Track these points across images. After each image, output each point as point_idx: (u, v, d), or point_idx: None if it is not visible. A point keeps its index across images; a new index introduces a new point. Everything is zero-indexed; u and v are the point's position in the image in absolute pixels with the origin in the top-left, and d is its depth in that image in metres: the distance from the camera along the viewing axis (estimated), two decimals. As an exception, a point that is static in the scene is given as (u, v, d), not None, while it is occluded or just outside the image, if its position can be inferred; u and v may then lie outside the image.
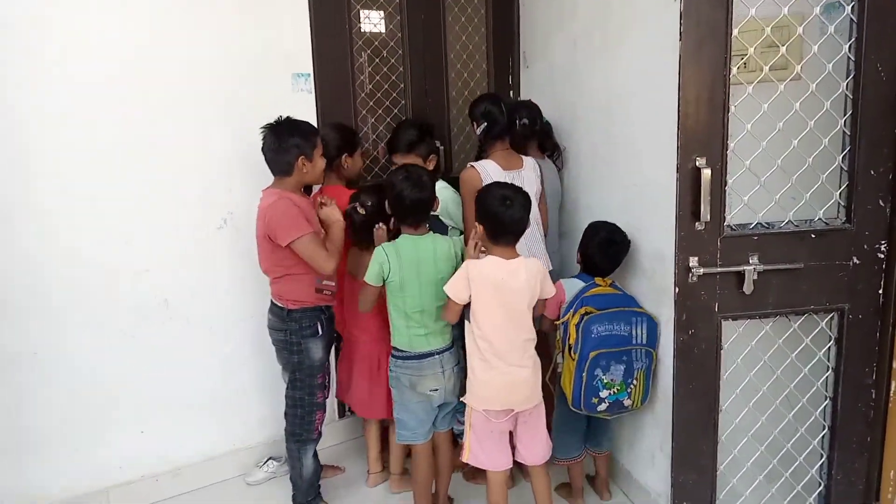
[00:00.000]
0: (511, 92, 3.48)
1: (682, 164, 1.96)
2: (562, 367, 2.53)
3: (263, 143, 2.47)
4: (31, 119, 2.48)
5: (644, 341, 2.44)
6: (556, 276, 2.71)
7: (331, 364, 2.74)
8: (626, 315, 2.43)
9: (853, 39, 1.95)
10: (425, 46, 3.30)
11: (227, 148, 2.80)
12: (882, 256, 2.07)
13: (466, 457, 2.38)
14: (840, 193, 2.05)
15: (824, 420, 2.21)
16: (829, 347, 2.16)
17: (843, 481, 2.20)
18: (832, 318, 2.14)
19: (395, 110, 3.29)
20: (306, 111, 2.92)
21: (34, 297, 2.57)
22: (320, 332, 2.60)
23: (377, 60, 3.22)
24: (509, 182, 2.46)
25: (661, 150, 2.23)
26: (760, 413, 2.22)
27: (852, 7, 1.92)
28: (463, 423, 2.51)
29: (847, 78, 1.97)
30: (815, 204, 2.05)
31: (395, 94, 3.28)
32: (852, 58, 1.96)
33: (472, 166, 2.71)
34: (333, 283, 2.58)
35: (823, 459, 2.22)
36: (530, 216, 2.34)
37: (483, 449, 2.36)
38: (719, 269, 2.03)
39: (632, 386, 2.44)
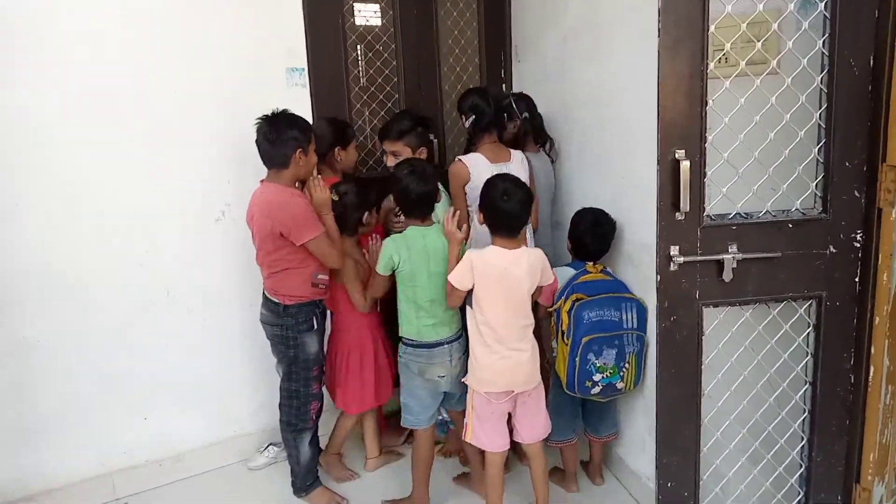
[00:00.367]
0: (503, 86, 3.54)
1: (662, 156, 2.01)
2: (556, 352, 2.60)
3: (259, 135, 2.47)
4: (34, 113, 2.56)
5: (634, 325, 2.51)
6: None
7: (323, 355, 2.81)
8: (616, 301, 2.51)
9: (827, 35, 1.99)
10: (418, 41, 3.36)
11: (223, 141, 2.87)
12: (858, 245, 2.12)
13: (469, 437, 2.47)
14: (816, 184, 2.10)
15: (804, 404, 2.27)
16: (808, 334, 2.21)
17: (823, 463, 2.26)
18: (810, 305, 2.19)
19: (389, 104, 3.34)
20: (301, 105, 2.98)
21: (39, 286, 2.65)
22: (315, 326, 2.65)
23: (370, 54, 3.27)
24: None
25: (645, 144, 2.29)
26: (742, 397, 2.28)
27: (825, 4, 1.97)
28: (446, 414, 2.62)
29: (822, 72, 2.02)
30: (793, 195, 2.10)
31: (388, 88, 3.34)
32: (826, 53, 2.00)
33: (460, 160, 2.76)
34: (326, 277, 2.63)
35: (804, 442, 2.28)
36: None
37: (483, 430, 2.44)
38: (699, 258, 2.09)
39: (624, 369, 2.51)
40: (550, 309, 2.61)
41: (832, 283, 2.15)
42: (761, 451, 2.31)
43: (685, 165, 1.98)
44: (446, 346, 2.52)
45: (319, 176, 2.62)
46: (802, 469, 2.31)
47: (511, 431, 2.52)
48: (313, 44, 3.02)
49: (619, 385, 2.52)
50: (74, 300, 2.72)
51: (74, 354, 2.75)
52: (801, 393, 2.26)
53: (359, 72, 3.25)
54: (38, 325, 2.67)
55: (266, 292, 2.64)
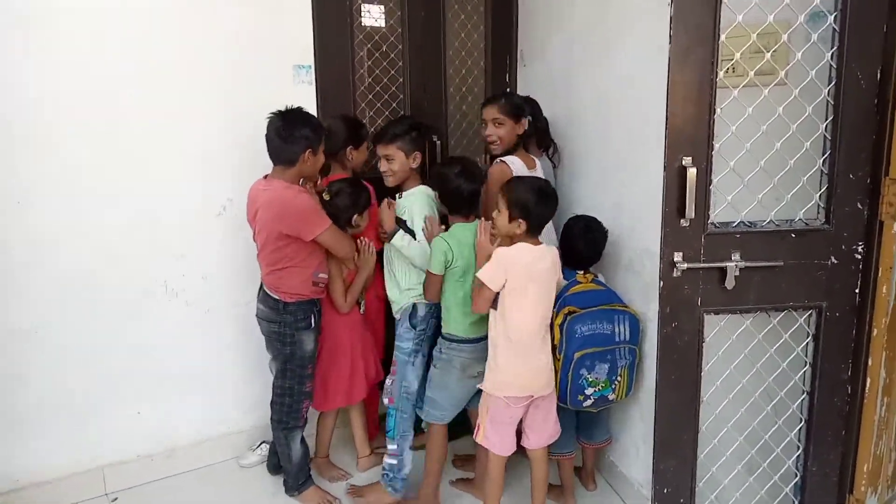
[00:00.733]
0: (508, 90, 3.54)
1: (669, 163, 2.03)
2: None
3: (270, 130, 2.44)
4: (36, 110, 2.54)
5: (627, 338, 2.50)
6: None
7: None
8: (609, 313, 2.48)
9: (835, 48, 2.02)
10: (425, 42, 3.36)
11: (227, 136, 2.85)
12: (859, 257, 2.14)
13: (480, 438, 2.46)
14: (820, 195, 2.12)
15: (801, 413, 2.29)
16: (807, 344, 2.23)
17: (818, 473, 2.28)
18: (810, 315, 2.21)
19: (394, 104, 3.35)
20: (306, 103, 2.91)
21: (38, 276, 2.63)
22: (313, 325, 2.65)
23: (377, 54, 3.28)
24: None
25: (650, 151, 2.31)
26: (740, 405, 2.30)
27: (835, 17, 1.99)
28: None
29: (829, 85, 2.04)
30: (796, 204, 2.12)
31: (394, 88, 3.34)
32: (834, 66, 2.03)
33: (504, 161, 2.74)
34: (326, 276, 2.64)
35: (800, 451, 2.30)
36: None
37: (497, 433, 2.42)
38: (702, 265, 2.11)
39: (616, 382, 2.50)
40: None
41: (832, 293, 2.17)
42: (757, 459, 2.33)
43: (692, 172, 2.00)
44: (484, 341, 2.51)
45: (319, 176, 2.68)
46: (797, 478, 2.32)
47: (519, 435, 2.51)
48: (321, 42, 3.01)
49: (611, 397, 2.52)
50: (72, 293, 2.70)
51: (68, 347, 2.72)
52: (798, 402, 2.28)
53: (365, 71, 3.25)
54: (32, 317, 2.65)
55: (266, 289, 2.62)
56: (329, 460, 3.04)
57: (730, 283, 2.11)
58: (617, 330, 2.48)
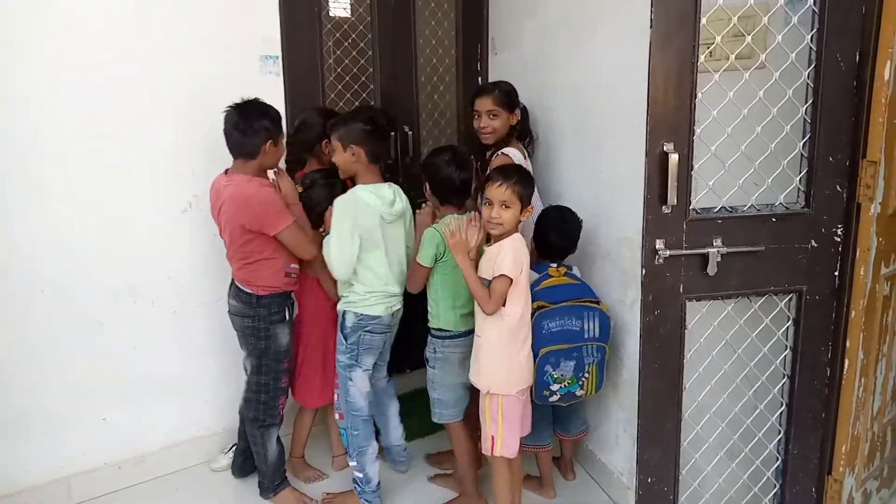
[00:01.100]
0: (479, 79, 3.50)
1: (650, 149, 2.00)
2: None
3: (228, 124, 2.41)
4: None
5: (596, 335, 2.46)
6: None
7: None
8: (579, 310, 2.44)
9: (815, 30, 2.01)
10: (394, 31, 3.30)
11: (192, 130, 2.77)
12: (838, 240, 2.15)
13: (499, 450, 2.36)
14: (800, 179, 2.12)
15: (782, 397, 2.29)
16: (788, 327, 2.24)
17: (799, 456, 2.29)
18: (791, 299, 2.21)
19: (364, 94, 3.28)
20: (274, 94, 2.90)
21: (-2, 284, 2.51)
22: (287, 318, 2.60)
23: (346, 44, 3.20)
24: None
25: (629, 137, 2.29)
26: (722, 391, 2.29)
27: (814, -1, 1.99)
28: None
29: (809, 67, 2.04)
30: (777, 189, 2.12)
31: (363, 79, 3.27)
32: (814, 48, 2.02)
33: (506, 153, 2.71)
34: (297, 267, 2.60)
35: (781, 435, 2.31)
36: None
37: (513, 433, 2.36)
38: (684, 252, 2.09)
39: (583, 379, 2.47)
40: None
41: (813, 277, 2.17)
42: (739, 445, 2.33)
43: (674, 158, 1.97)
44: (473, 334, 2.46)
45: (282, 168, 2.63)
46: (779, 462, 2.33)
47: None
48: (287, 32, 2.93)
49: (579, 393, 2.48)
50: (33, 297, 2.60)
51: (31, 354, 2.62)
52: (779, 386, 2.29)
53: (333, 61, 3.17)
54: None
55: (238, 284, 2.56)
56: (304, 460, 2.98)
57: (712, 270, 2.09)
58: (586, 327, 2.44)
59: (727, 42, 2.04)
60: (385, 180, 2.53)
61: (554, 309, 2.41)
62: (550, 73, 2.94)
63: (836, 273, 2.18)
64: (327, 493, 2.81)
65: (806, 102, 2.06)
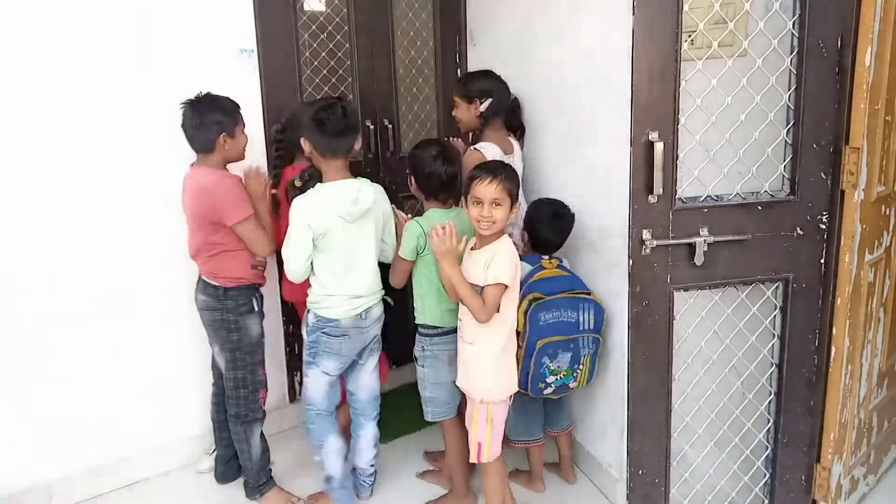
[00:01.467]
0: (458, 71, 3.46)
1: (635, 138, 1.99)
2: None
3: (184, 120, 2.40)
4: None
5: (591, 327, 2.42)
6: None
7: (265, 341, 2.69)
8: (574, 301, 2.41)
9: (797, 16, 2.00)
10: (371, 23, 3.25)
11: (166, 126, 2.68)
12: (824, 227, 2.15)
13: (486, 457, 2.30)
14: (784, 166, 2.11)
15: (770, 386, 2.29)
16: (775, 316, 2.23)
17: (788, 444, 2.29)
18: (778, 288, 2.21)
19: (342, 88, 3.22)
20: (251, 88, 2.84)
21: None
22: (256, 309, 2.58)
23: (322, 36, 3.14)
24: None
25: (612, 127, 2.25)
26: (711, 381, 2.28)
27: (796, -16, 1.98)
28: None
29: (791, 54, 2.03)
30: (762, 177, 2.11)
31: (341, 72, 3.22)
32: (796, 34, 2.01)
33: (477, 149, 2.65)
34: (264, 259, 2.57)
35: (770, 424, 2.31)
36: None
37: (497, 438, 2.31)
38: (671, 242, 2.08)
39: (578, 371, 2.44)
40: None
41: (799, 264, 2.17)
42: (729, 434, 2.33)
43: (659, 147, 1.96)
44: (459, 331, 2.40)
45: (259, 166, 2.57)
46: (769, 451, 2.33)
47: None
48: (263, 24, 2.87)
49: (572, 385, 2.45)
50: (6, 299, 2.52)
51: (5, 356, 2.54)
52: (767, 375, 2.29)
53: (310, 54, 3.12)
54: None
55: (204, 277, 2.55)
56: None
57: (699, 259, 2.09)
58: (581, 318, 2.41)
59: (709, 29, 2.02)
60: (365, 175, 2.47)
61: (550, 300, 2.37)
62: (530, 64, 2.91)
63: (822, 260, 2.17)
64: (311, 495, 2.76)
65: (789, 89, 2.05)
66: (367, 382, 2.61)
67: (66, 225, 2.60)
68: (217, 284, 2.50)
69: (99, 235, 2.67)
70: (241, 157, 2.54)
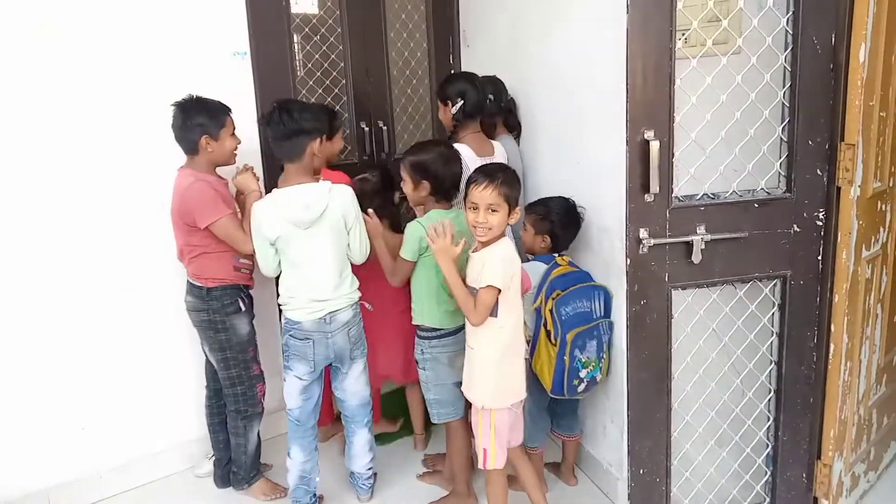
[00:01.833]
0: (452, 72, 3.46)
1: (631, 136, 1.98)
2: (532, 356, 2.47)
3: (172, 121, 2.43)
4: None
5: (603, 313, 2.44)
6: (524, 259, 2.59)
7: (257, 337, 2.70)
8: (587, 291, 2.42)
9: (790, 13, 1.99)
10: (365, 25, 3.25)
11: (163, 129, 2.68)
12: (820, 224, 2.14)
13: (492, 463, 2.27)
14: (780, 164, 2.11)
15: (770, 384, 2.29)
16: (773, 313, 2.23)
17: (789, 441, 2.29)
18: (775, 285, 2.20)
19: (336, 90, 3.22)
20: (244, 91, 2.84)
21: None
22: (243, 309, 2.58)
23: (316, 38, 3.14)
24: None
25: (607, 126, 2.26)
26: (710, 380, 2.28)
27: (790, -19, 1.97)
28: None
29: (785, 51, 2.02)
30: (758, 174, 2.10)
31: (335, 73, 3.21)
32: (790, 31, 2.01)
33: None
34: (250, 262, 2.56)
35: (770, 422, 2.30)
36: None
37: (502, 446, 2.28)
38: (668, 240, 2.07)
39: (602, 360, 2.44)
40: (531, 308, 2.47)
41: (796, 262, 2.16)
42: (729, 433, 2.32)
43: (655, 146, 1.95)
44: (462, 332, 2.37)
45: (251, 165, 2.60)
46: (769, 448, 2.32)
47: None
48: (255, 27, 2.86)
49: (599, 377, 2.45)
50: (7, 304, 2.53)
51: (3, 362, 2.55)
52: (766, 372, 2.28)
53: (303, 57, 3.12)
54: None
55: (189, 278, 2.58)
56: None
57: (696, 258, 2.08)
58: (594, 306, 2.42)
59: (703, 27, 2.02)
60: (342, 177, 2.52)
61: (566, 294, 2.37)
62: (524, 63, 2.90)
63: (819, 257, 2.17)
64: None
65: (784, 87, 2.04)
66: (355, 389, 2.59)
67: (64, 229, 2.61)
68: (200, 285, 2.53)
69: (97, 239, 2.68)
70: (230, 161, 2.54)
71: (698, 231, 2.07)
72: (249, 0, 2.85)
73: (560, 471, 2.79)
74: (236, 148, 2.51)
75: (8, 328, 2.54)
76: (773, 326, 2.24)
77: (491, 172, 2.13)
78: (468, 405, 2.48)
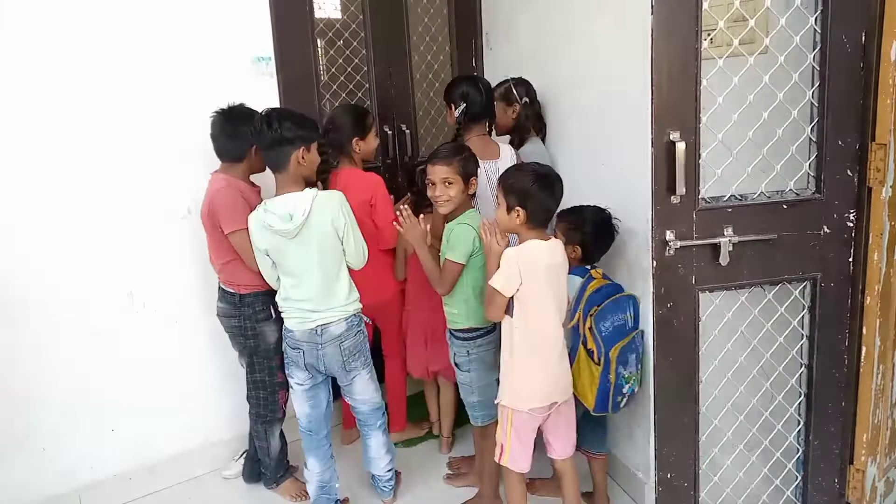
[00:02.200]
0: (474, 73, 3.45)
1: (656, 138, 1.96)
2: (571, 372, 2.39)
3: (214, 129, 2.46)
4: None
5: (634, 324, 2.39)
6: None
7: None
8: (621, 303, 2.36)
9: (819, 12, 1.96)
10: (388, 29, 3.26)
11: (188, 135, 2.72)
12: (851, 225, 2.11)
13: (506, 460, 2.27)
14: (809, 164, 2.08)
15: (800, 387, 2.25)
16: (803, 316, 2.19)
17: (820, 446, 2.25)
18: (805, 287, 2.17)
19: (360, 94, 3.24)
20: (269, 96, 2.86)
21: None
22: (273, 316, 2.59)
23: (339, 43, 3.17)
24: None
25: (633, 127, 2.24)
26: (739, 383, 2.25)
27: (817, -21, 1.94)
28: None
29: (814, 50, 1.99)
30: (786, 175, 2.07)
31: (358, 78, 3.23)
32: (818, 30, 1.97)
33: None
34: None
35: (801, 426, 2.27)
36: None
37: (524, 449, 2.27)
38: (695, 242, 2.05)
39: (639, 371, 2.39)
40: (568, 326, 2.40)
41: (826, 263, 2.13)
42: (759, 437, 2.29)
43: (681, 147, 1.93)
44: (497, 331, 2.37)
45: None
46: (800, 453, 2.29)
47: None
48: (280, 32, 2.88)
49: (637, 389, 2.40)
50: (36, 308, 2.56)
51: (37, 366, 2.59)
52: (796, 376, 2.25)
53: (327, 61, 3.14)
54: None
55: (222, 284, 2.61)
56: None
57: (724, 260, 2.05)
58: (627, 317, 2.36)
59: (729, 27, 2.00)
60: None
61: (602, 309, 2.31)
62: (547, 65, 2.89)
63: (850, 259, 2.13)
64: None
65: (812, 86, 2.01)
66: (363, 396, 2.57)
67: (90, 232, 2.65)
68: (233, 291, 2.56)
69: (122, 243, 2.71)
70: (261, 169, 2.55)
71: (726, 233, 2.05)
72: (273, 6, 2.86)
73: (592, 499, 2.64)
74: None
75: (39, 329, 2.58)
76: (802, 329, 2.20)
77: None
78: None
